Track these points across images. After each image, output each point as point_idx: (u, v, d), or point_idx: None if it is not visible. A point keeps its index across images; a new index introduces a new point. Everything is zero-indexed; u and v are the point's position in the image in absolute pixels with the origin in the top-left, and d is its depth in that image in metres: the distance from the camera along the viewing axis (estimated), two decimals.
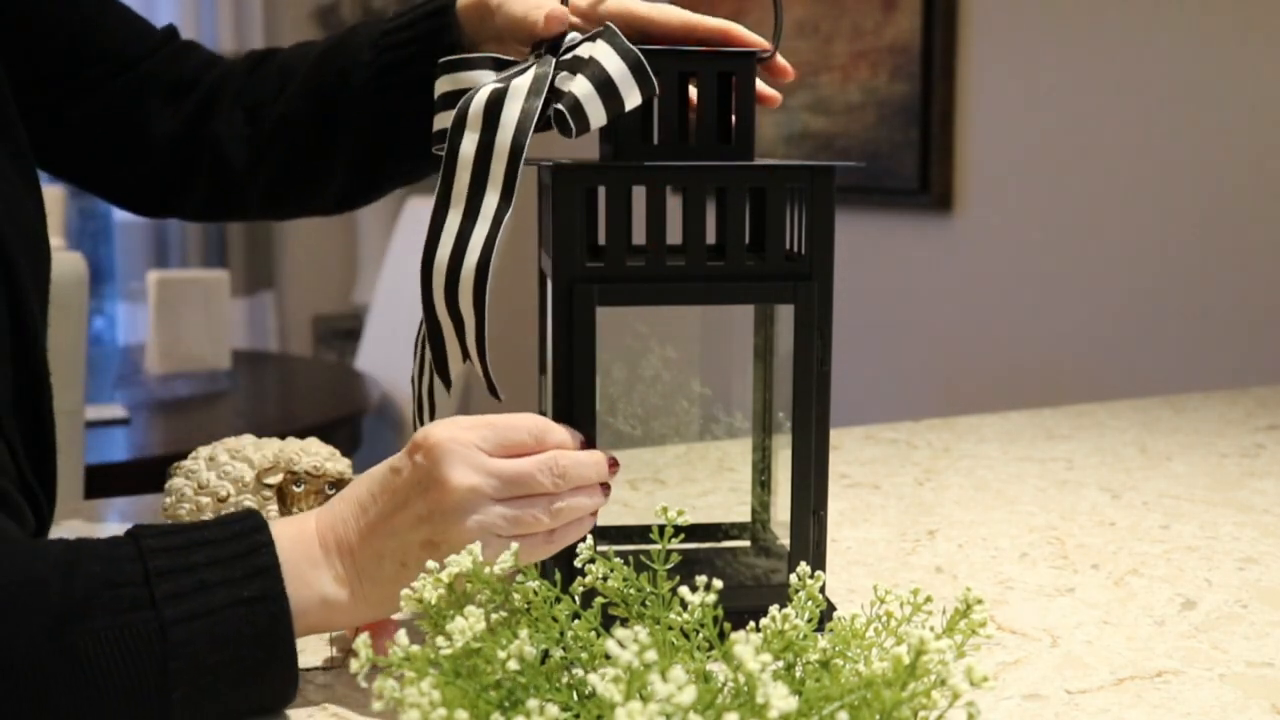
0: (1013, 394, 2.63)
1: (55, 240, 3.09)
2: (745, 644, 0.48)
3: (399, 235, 3.25)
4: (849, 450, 1.31)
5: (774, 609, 0.57)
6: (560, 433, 0.70)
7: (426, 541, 0.66)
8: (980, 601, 0.57)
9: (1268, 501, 1.10)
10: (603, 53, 0.72)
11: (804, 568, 0.61)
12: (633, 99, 0.72)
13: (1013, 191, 2.68)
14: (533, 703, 0.49)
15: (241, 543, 0.65)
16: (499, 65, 0.77)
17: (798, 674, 0.56)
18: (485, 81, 0.74)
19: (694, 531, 0.88)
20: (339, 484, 0.81)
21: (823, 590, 0.61)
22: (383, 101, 0.93)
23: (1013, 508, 1.09)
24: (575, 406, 0.72)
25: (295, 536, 0.67)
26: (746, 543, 0.88)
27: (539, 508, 0.68)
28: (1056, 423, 1.42)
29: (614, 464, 0.72)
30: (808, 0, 3.06)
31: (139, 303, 3.82)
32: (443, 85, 0.77)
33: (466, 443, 0.67)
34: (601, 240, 0.75)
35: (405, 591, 0.60)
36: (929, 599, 0.59)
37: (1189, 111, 2.33)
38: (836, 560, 0.95)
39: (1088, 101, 2.51)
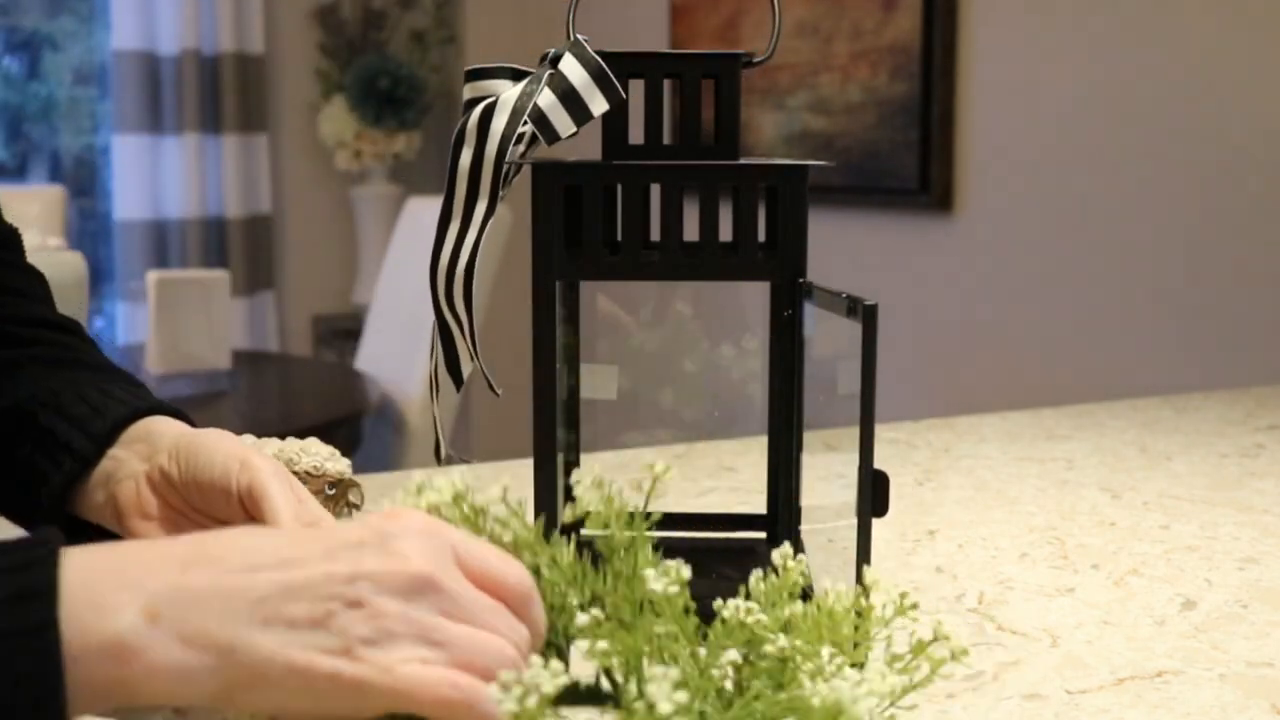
0: (1013, 394, 2.63)
1: (55, 240, 3.10)
2: (662, 680, 0.48)
3: (399, 235, 3.25)
4: (849, 450, 1.31)
5: (734, 602, 0.56)
6: (540, 607, 0.55)
7: (320, 607, 0.49)
8: (948, 637, 0.55)
9: (1268, 501, 1.10)
10: (567, 64, 0.75)
11: (786, 549, 0.60)
12: (598, 106, 0.75)
13: (1013, 191, 2.68)
14: None
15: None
16: (517, 75, 0.79)
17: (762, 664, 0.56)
18: (501, 91, 0.77)
19: (709, 521, 0.89)
20: (339, 484, 0.81)
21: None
22: None
23: (1013, 508, 1.09)
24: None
25: (105, 556, 0.49)
26: (762, 535, 0.89)
27: (489, 651, 0.51)
28: (1056, 423, 1.42)
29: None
30: (808, 0, 3.06)
31: (139, 303, 3.82)
32: (467, 93, 0.81)
33: (446, 539, 0.53)
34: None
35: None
36: (915, 605, 0.57)
37: (1189, 111, 2.33)
38: (835, 560, 0.95)
39: (1088, 101, 2.51)
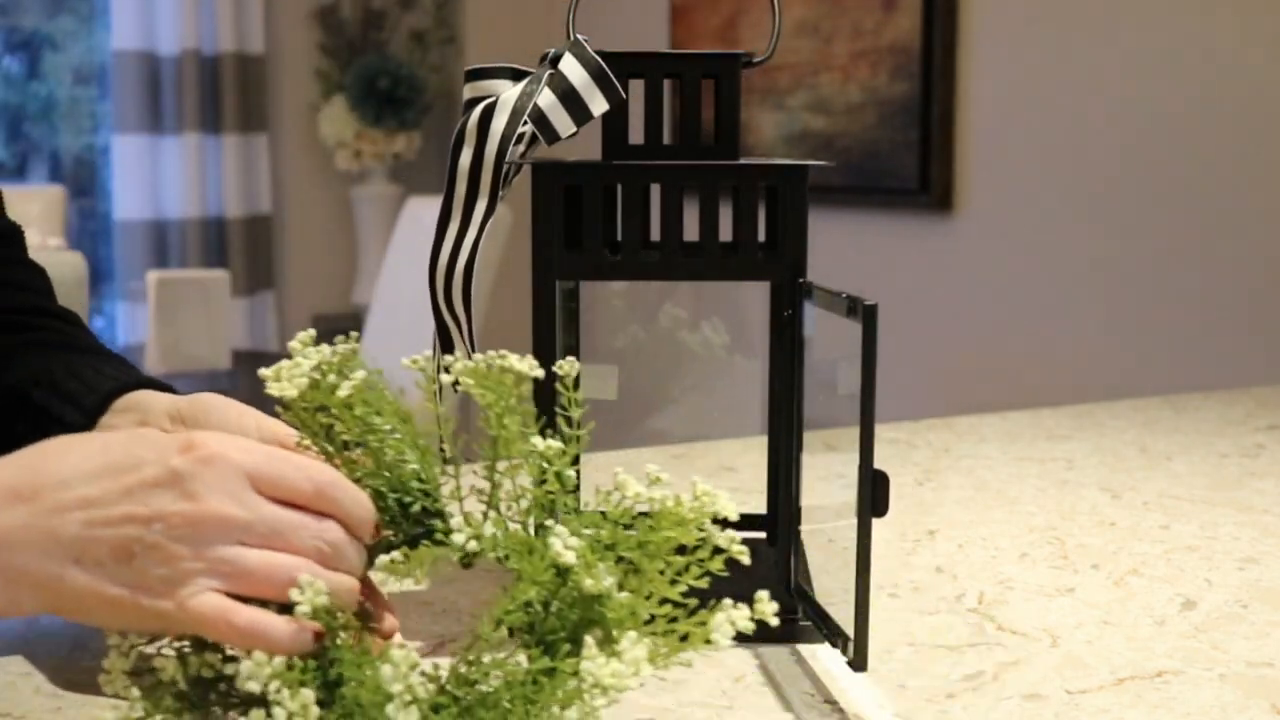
0: (1013, 394, 2.63)
1: (55, 240, 3.10)
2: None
3: (399, 235, 3.25)
4: (849, 450, 1.31)
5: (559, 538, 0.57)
6: (349, 497, 0.60)
7: (122, 547, 0.56)
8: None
9: (1268, 501, 1.10)
10: (567, 64, 0.75)
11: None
12: (598, 106, 0.75)
13: (1013, 191, 2.68)
14: None
15: None
16: (517, 75, 0.79)
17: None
18: (501, 91, 0.77)
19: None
20: None
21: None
22: None
23: (1013, 508, 1.09)
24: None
25: None
26: (762, 534, 0.89)
27: (280, 572, 0.57)
28: (1056, 423, 1.42)
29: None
30: (808, 0, 3.06)
31: (139, 303, 3.82)
32: (467, 93, 0.81)
33: (238, 468, 0.58)
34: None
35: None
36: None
37: (1189, 111, 2.33)
38: (834, 560, 0.95)
39: (1087, 101, 2.51)
